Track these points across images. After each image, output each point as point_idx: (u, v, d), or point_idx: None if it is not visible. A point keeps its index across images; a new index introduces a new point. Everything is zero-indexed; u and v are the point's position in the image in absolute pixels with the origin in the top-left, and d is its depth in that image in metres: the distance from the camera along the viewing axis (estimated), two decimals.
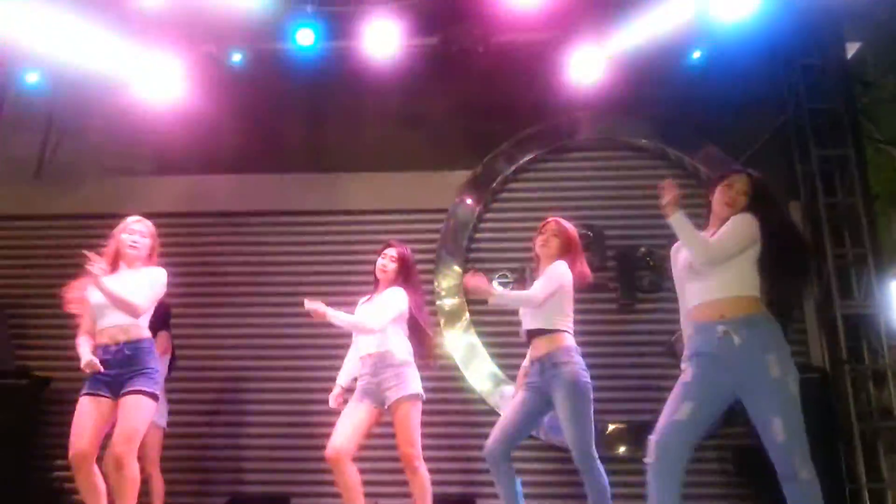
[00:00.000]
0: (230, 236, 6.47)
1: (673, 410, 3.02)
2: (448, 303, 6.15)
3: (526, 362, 4.00)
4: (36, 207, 6.60)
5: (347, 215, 6.50)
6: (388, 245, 4.38)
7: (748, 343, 2.99)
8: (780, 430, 2.91)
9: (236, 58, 6.37)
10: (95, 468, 3.60)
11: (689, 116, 6.39)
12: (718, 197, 3.28)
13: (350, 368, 4.35)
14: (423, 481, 4.03)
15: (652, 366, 5.88)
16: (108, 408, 3.62)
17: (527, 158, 6.52)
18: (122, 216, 6.42)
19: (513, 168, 6.51)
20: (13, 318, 6.33)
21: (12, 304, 6.38)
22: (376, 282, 4.38)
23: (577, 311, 5.58)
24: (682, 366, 3.18)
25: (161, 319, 4.74)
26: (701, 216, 6.49)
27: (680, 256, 3.30)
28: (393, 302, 4.18)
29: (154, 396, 3.68)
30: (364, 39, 5.98)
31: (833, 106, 6.29)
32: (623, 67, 5.98)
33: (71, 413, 5.98)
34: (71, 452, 3.58)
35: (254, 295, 6.21)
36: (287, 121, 6.72)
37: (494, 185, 6.46)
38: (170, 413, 5.21)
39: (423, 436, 5.45)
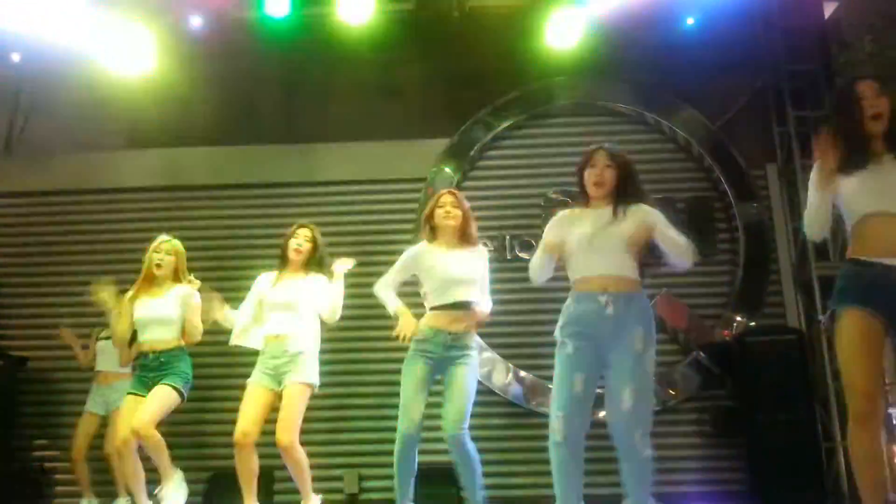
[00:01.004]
0: (204, 210, 6.40)
1: (570, 384, 3.03)
2: None
3: (427, 331, 3.89)
4: (5, 184, 6.49)
5: (324, 186, 6.43)
6: (301, 226, 4.44)
7: (622, 314, 3.05)
8: (629, 398, 2.95)
9: (206, 27, 6.22)
10: (136, 455, 4.25)
11: (667, 80, 6.36)
12: (588, 179, 3.25)
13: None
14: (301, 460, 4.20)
15: None
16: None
17: (505, 125, 6.48)
18: (93, 192, 6.44)
19: (491, 135, 6.46)
20: None
21: None
22: (285, 260, 4.37)
23: (553, 279, 5.61)
24: (558, 335, 3.18)
25: None
26: (679, 180, 6.56)
27: (576, 229, 3.22)
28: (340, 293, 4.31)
29: (177, 390, 4.28)
30: (337, 5, 5.87)
31: (811, 67, 6.29)
32: (601, 32, 5.92)
33: (48, 392, 6.06)
34: (116, 442, 4.34)
35: (229, 269, 6.14)
36: (260, 91, 6.61)
37: (472, 152, 6.42)
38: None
39: None
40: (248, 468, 4.14)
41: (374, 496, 5.72)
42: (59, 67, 6.11)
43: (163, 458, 4.21)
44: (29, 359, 5.98)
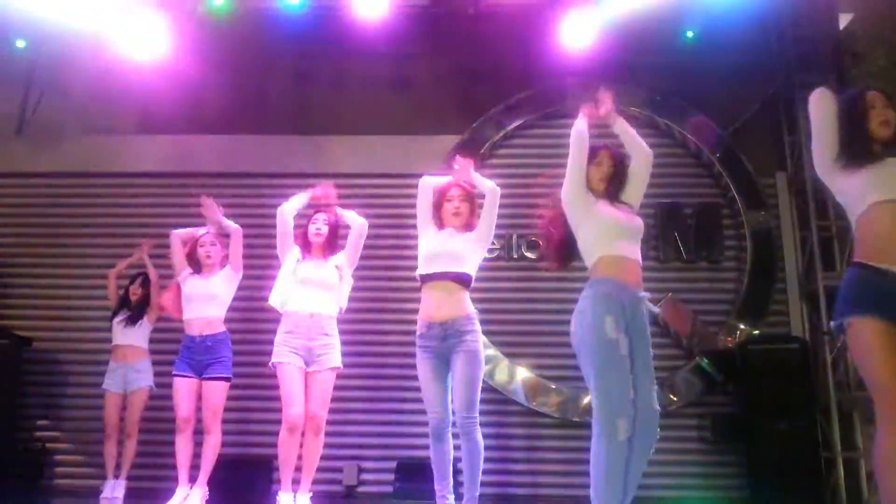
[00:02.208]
0: (214, 198, 6.39)
1: (627, 386, 3.00)
2: None
3: (423, 324, 3.85)
4: (17, 165, 6.51)
5: (333, 179, 6.40)
6: (317, 210, 4.53)
7: (644, 317, 3.15)
8: (654, 397, 3.07)
9: (223, 15, 6.22)
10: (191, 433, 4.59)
11: (679, 86, 6.36)
12: (593, 175, 3.44)
13: None
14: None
15: None
16: (194, 385, 4.60)
17: (515, 124, 6.48)
18: (103, 175, 6.46)
19: (501, 134, 6.47)
20: None
21: None
22: (307, 245, 4.44)
23: (557, 279, 5.65)
24: (609, 331, 3.03)
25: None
26: (688, 186, 6.54)
27: (607, 209, 3.31)
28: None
29: (228, 379, 4.64)
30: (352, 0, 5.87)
31: (824, 77, 6.26)
32: (615, 35, 5.91)
33: (52, 373, 6.08)
34: (178, 418, 4.55)
35: None
36: (273, 81, 6.63)
37: (482, 150, 6.42)
38: (156, 374, 5.37)
39: (408, 400, 5.55)
40: (295, 453, 4.13)
41: (372, 489, 5.74)
42: (73, 50, 6.14)
43: (211, 457, 4.54)
44: (34, 339, 6.00)
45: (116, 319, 5.43)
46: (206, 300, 4.69)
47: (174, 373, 4.63)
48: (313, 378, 4.19)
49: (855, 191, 2.86)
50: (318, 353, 4.19)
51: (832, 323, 2.83)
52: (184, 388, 4.57)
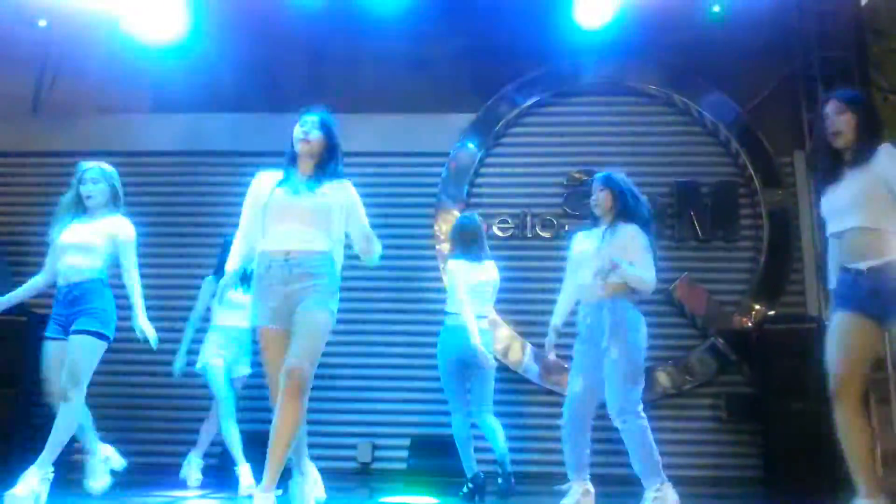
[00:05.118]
0: (228, 176, 6.40)
1: None
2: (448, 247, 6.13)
3: None
4: (33, 144, 6.54)
5: (346, 157, 6.40)
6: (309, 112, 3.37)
7: None
8: None
9: None
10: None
11: (697, 62, 6.28)
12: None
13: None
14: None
15: (649, 314, 5.89)
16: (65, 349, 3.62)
17: (530, 102, 6.44)
18: (118, 154, 6.46)
19: (515, 112, 6.42)
20: (12, 255, 6.33)
21: (11, 240, 6.38)
22: (293, 157, 3.36)
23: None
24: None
25: None
26: (705, 164, 6.48)
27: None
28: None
29: (98, 335, 3.63)
30: None
31: (844, 54, 6.18)
32: (631, 11, 5.84)
33: None
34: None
35: None
36: (287, 59, 6.60)
37: (497, 128, 6.39)
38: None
39: (421, 378, 5.54)
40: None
41: (386, 466, 5.78)
42: (87, 29, 6.14)
43: (64, 430, 3.83)
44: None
45: None
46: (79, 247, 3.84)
47: (45, 336, 3.92)
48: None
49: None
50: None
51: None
52: (54, 352, 3.79)
